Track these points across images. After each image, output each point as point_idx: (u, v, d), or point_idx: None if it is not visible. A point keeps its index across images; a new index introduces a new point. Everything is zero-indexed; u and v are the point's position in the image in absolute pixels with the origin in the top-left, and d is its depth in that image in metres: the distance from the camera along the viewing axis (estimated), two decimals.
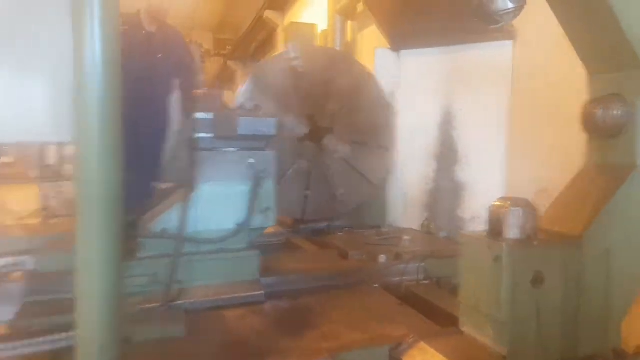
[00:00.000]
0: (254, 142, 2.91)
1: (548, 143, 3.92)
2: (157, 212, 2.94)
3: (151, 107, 4.11)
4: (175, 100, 4.44)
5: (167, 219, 2.73)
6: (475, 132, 4.45)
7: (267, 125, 2.87)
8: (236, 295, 2.59)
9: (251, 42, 13.08)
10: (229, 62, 15.05)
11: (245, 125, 2.81)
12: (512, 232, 1.83)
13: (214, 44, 15.67)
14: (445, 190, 4.58)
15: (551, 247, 1.84)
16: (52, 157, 5.74)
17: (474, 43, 4.45)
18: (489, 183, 4.38)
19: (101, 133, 1.66)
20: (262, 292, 2.62)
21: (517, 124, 4.26)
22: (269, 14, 10.72)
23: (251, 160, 2.86)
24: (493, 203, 1.95)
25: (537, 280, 1.78)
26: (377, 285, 2.88)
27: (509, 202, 1.87)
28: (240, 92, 4.07)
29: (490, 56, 4.39)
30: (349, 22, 6.85)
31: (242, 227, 2.76)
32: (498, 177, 4.32)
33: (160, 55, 4.08)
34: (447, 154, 4.58)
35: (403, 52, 4.83)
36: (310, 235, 4.38)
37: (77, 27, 1.64)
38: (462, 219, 4.48)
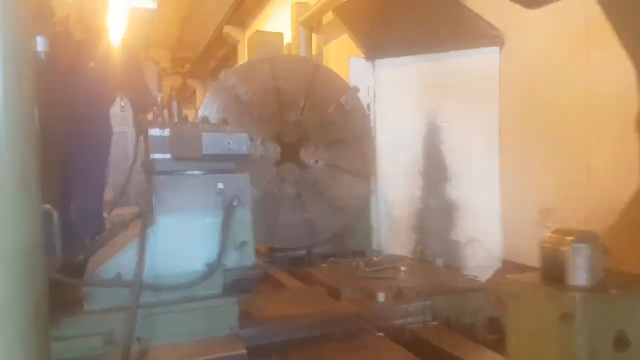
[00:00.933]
0: (223, 163, 2.41)
1: (549, 156, 3.56)
2: (107, 252, 2.40)
3: (87, 123, 3.56)
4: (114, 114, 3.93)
5: (121, 261, 2.19)
6: (466, 146, 4.07)
7: (237, 143, 2.36)
8: (212, 356, 2.06)
9: (211, 60, 12.67)
10: (189, 81, 14.61)
11: (210, 143, 2.30)
12: (579, 277, 1.39)
13: (171, 62, 15.22)
14: (435, 210, 4.17)
15: (635, 297, 1.39)
16: None
17: (457, 50, 4.11)
18: (483, 201, 4.00)
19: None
20: (245, 351, 2.10)
21: (510, 136, 3.90)
22: (229, 29, 10.35)
23: (220, 186, 2.35)
24: (548, 235, 1.51)
25: (622, 343, 1.34)
26: (382, 334, 2.39)
27: (572, 237, 1.43)
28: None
29: (476, 64, 4.04)
30: (314, 35, 6.56)
31: (214, 269, 2.24)
32: (495, 195, 3.95)
33: (92, 64, 3.53)
34: (435, 171, 4.18)
35: (378, 61, 4.44)
36: (288, 264, 3.92)
37: None
38: (458, 243, 4.07)
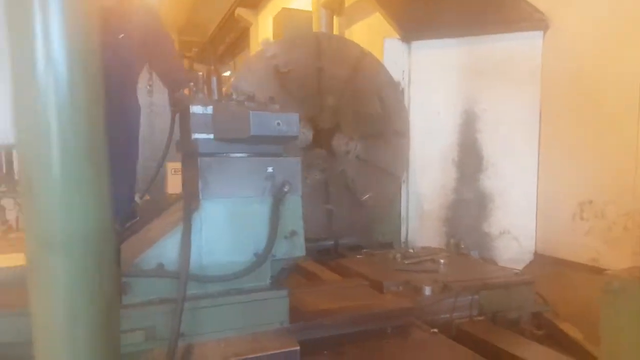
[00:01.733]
0: (272, 145, 2.24)
1: (593, 146, 3.41)
2: (145, 240, 2.24)
3: (116, 100, 3.36)
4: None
5: (163, 249, 2.03)
6: (504, 135, 3.91)
7: (287, 123, 2.16)
8: (264, 353, 1.91)
9: (219, 44, 12.44)
10: (195, 65, 14.37)
11: (258, 123, 2.10)
12: None
13: (178, 45, 14.95)
14: (469, 201, 4.02)
15: None
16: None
17: (498, 34, 3.93)
18: (519, 193, 3.86)
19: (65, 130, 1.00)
20: (297, 347, 1.95)
21: (551, 125, 3.74)
22: (240, 11, 10.09)
23: (270, 170, 2.19)
24: None
25: None
26: (435, 330, 2.25)
27: None
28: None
29: (517, 48, 3.87)
30: (335, 18, 6.36)
31: (263, 259, 2.09)
32: (532, 186, 3.80)
33: (122, 36, 3.29)
34: (470, 160, 4.02)
35: (415, 43, 4.25)
36: (317, 255, 3.76)
37: None
38: (489, 235, 3.93)
